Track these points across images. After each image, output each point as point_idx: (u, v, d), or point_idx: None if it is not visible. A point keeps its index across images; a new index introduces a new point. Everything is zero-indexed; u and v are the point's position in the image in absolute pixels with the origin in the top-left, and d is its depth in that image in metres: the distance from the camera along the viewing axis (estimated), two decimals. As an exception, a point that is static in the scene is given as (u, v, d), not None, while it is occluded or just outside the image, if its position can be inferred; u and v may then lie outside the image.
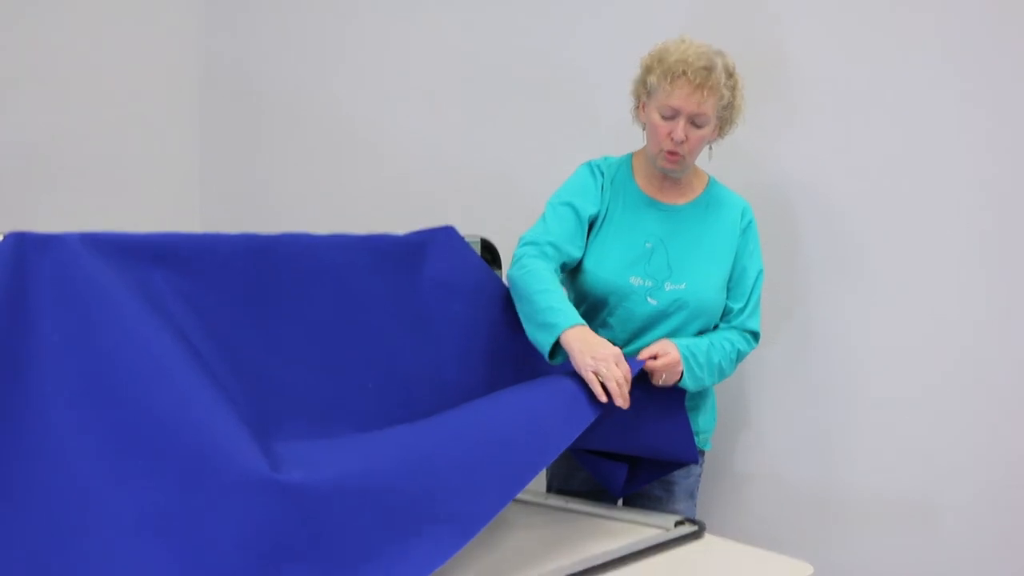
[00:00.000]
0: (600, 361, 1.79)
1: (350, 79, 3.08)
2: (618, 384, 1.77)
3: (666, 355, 1.92)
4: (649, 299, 2.07)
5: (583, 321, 1.89)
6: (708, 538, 1.91)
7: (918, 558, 2.33)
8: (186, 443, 1.39)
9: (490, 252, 2.28)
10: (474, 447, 1.63)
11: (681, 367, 1.94)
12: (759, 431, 2.52)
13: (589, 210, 2.09)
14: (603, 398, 1.78)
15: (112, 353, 1.44)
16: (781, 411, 2.49)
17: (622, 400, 1.78)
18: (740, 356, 2.12)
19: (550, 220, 2.08)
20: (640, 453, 2.06)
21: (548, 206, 2.11)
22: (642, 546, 1.79)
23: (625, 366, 1.82)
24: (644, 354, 1.93)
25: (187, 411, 1.43)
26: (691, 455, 2.07)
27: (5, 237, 1.46)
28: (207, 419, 1.43)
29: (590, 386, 1.79)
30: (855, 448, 2.40)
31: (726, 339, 2.08)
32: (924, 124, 2.27)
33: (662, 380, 1.94)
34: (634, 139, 2.18)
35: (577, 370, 1.82)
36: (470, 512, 1.52)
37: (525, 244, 2.05)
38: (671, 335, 2.05)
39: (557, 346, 1.88)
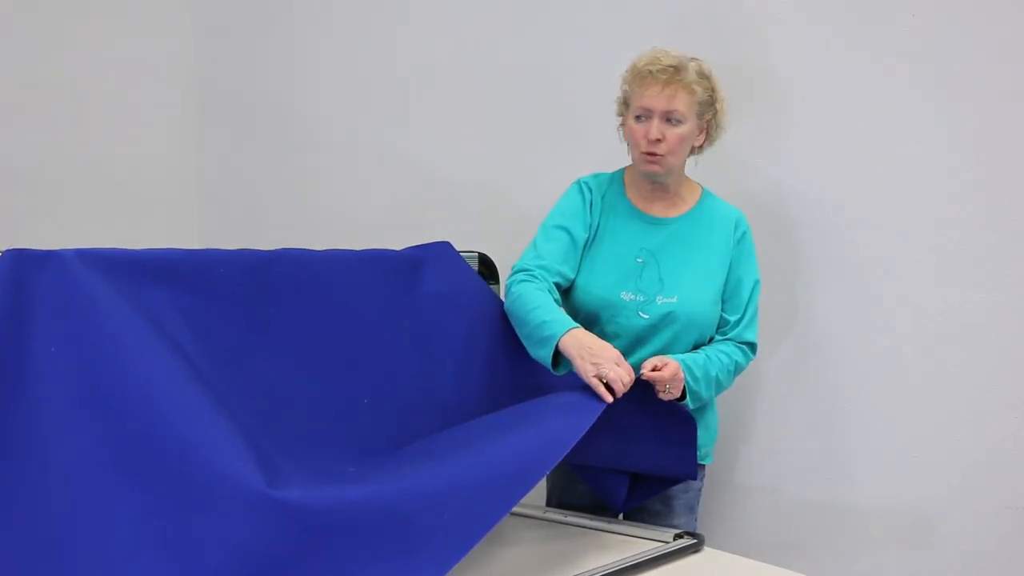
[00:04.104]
0: (602, 364, 1.81)
1: (346, 94, 3.10)
2: (624, 385, 1.80)
3: (666, 365, 1.93)
4: (641, 313, 2.07)
5: (576, 324, 1.91)
6: (707, 551, 1.90)
7: (918, 572, 2.32)
8: (183, 459, 1.40)
9: (487, 267, 2.28)
10: (472, 459, 1.62)
11: (682, 375, 1.95)
12: (759, 444, 2.51)
13: (581, 233, 2.10)
14: (609, 399, 1.79)
15: (110, 369, 1.44)
16: (781, 423, 2.48)
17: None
18: (738, 369, 2.12)
19: (540, 244, 2.09)
20: (641, 471, 2.06)
21: (540, 230, 2.13)
22: (641, 559, 1.78)
23: (627, 366, 1.84)
24: (645, 367, 1.93)
25: (184, 427, 1.43)
26: (691, 472, 2.06)
27: (3, 254, 1.47)
28: (204, 435, 1.43)
29: (595, 390, 1.80)
30: (856, 461, 2.39)
31: (723, 352, 2.08)
32: (916, 128, 2.27)
33: (666, 390, 1.94)
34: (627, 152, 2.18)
35: (580, 376, 1.83)
36: (466, 525, 1.51)
37: (515, 272, 2.07)
38: (664, 349, 2.05)
39: (559, 356, 1.89)
